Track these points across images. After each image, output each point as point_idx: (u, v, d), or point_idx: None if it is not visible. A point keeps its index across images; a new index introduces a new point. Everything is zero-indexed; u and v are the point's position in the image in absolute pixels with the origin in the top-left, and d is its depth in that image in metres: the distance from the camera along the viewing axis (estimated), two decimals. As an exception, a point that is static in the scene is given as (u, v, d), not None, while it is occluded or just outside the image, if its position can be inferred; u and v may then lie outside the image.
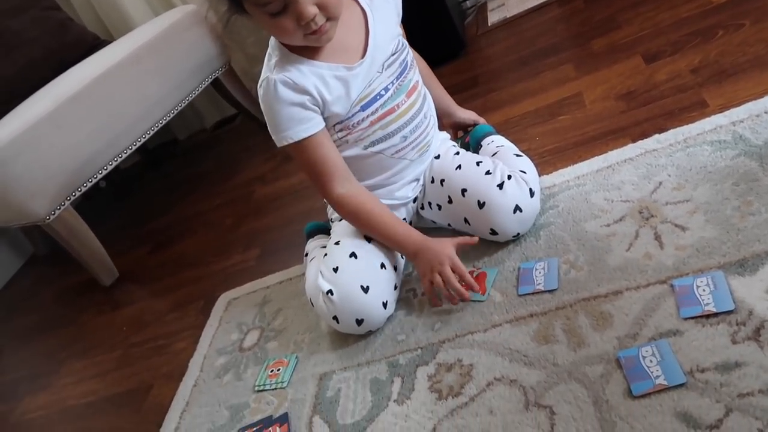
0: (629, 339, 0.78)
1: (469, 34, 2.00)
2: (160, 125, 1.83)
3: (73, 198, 1.62)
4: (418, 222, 1.17)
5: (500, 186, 1.00)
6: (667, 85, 1.22)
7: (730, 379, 0.68)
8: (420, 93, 1.08)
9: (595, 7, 1.70)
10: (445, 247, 0.96)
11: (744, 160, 0.93)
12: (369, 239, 1.05)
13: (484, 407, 0.81)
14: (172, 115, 1.87)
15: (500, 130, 1.27)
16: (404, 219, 1.13)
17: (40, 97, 1.67)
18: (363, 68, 0.98)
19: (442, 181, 1.08)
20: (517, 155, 1.09)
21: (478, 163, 1.05)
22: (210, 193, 1.99)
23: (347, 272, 1.00)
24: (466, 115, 1.27)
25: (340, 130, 1.01)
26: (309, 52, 0.96)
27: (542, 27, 1.78)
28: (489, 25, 1.99)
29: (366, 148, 1.04)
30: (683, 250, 0.85)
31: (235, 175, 2.01)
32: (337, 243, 1.05)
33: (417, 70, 1.09)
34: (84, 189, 1.65)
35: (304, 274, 1.18)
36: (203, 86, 1.98)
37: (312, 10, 0.86)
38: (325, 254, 1.06)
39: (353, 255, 1.02)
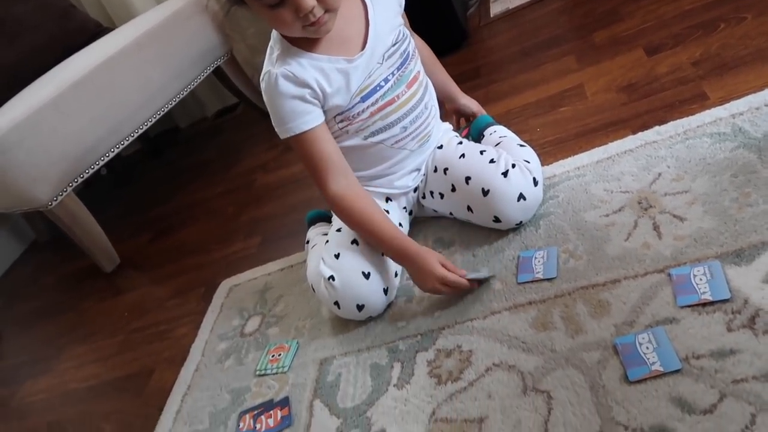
0: (626, 326, 0.79)
1: (471, 25, 2.01)
2: (161, 113, 1.83)
3: (75, 184, 1.63)
4: (419, 211, 1.18)
5: (505, 174, 1.01)
6: (668, 77, 1.23)
7: (724, 365, 0.69)
8: (421, 83, 1.08)
9: (598, -1, 1.71)
10: (435, 269, 0.94)
11: (743, 152, 0.94)
12: None
13: (483, 392, 0.82)
14: (173, 103, 1.88)
15: (501, 121, 1.28)
16: (404, 208, 1.14)
17: (43, 84, 1.67)
18: (363, 60, 0.99)
19: (445, 169, 1.09)
20: (521, 145, 1.10)
21: (482, 152, 1.06)
22: (211, 182, 1.99)
23: (349, 258, 1.01)
24: (469, 102, 1.28)
25: (341, 121, 1.02)
26: (309, 44, 0.96)
27: (544, 18, 1.78)
28: (491, 16, 1.99)
29: (366, 138, 1.04)
30: (681, 240, 0.86)
31: (237, 164, 2.02)
32: (338, 230, 1.06)
33: (419, 60, 1.09)
34: (86, 176, 1.65)
35: (305, 261, 1.19)
36: (205, 75, 1.98)
37: (310, 2, 0.86)
38: (327, 241, 1.07)
39: (355, 242, 1.03)
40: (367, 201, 1.00)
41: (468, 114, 1.28)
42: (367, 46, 0.99)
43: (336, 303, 1.01)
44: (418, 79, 1.07)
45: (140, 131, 1.78)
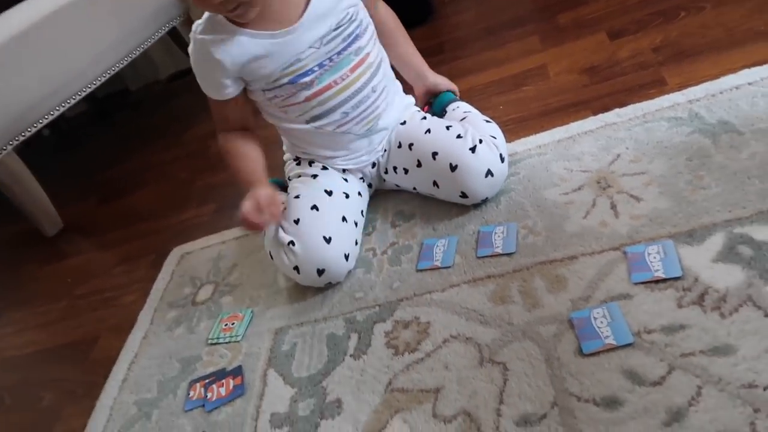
0: (582, 301, 0.81)
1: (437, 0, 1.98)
2: (111, 73, 1.74)
3: (15, 143, 1.53)
4: (380, 185, 1.17)
5: (473, 150, 1.00)
6: (629, 62, 1.25)
7: (674, 340, 0.71)
8: (370, 65, 1.04)
9: (564, -19, 1.71)
10: (243, 203, 0.97)
11: (698, 137, 0.97)
12: (329, 192, 1.04)
13: (440, 363, 0.82)
14: (124, 63, 1.79)
15: (465, 98, 1.27)
16: (363, 180, 1.13)
17: (-19, 34, 1.56)
18: (292, 38, 0.95)
19: (410, 145, 1.07)
20: (486, 121, 1.10)
21: (448, 127, 1.05)
22: (163, 146, 1.92)
23: (309, 224, 1.00)
24: (440, 80, 1.24)
25: (272, 98, 1.01)
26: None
27: (510, -2, 1.78)
28: (457, -8, 1.97)
29: (307, 122, 1.03)
30: (637, 220, 0.88)
31: (191, 129, 1.95)
32: (297, 197, 1.04)
33: (372, 40, 1.05)
34: (28, 135, 1.56)
35: (262, 229, 1.16)
36: (160, 35, 1.89)
37: None
38: (284, 208, 1.05)
39: (315, 207, 1.01)
40: (242, 150, 1.05)
41: (439, 92, 1.24)
42: (299, 24, 0.94)
43: (296, 268, 1.00)
44: (365, 61, 1.03)
45: (87, 91, 1.68)
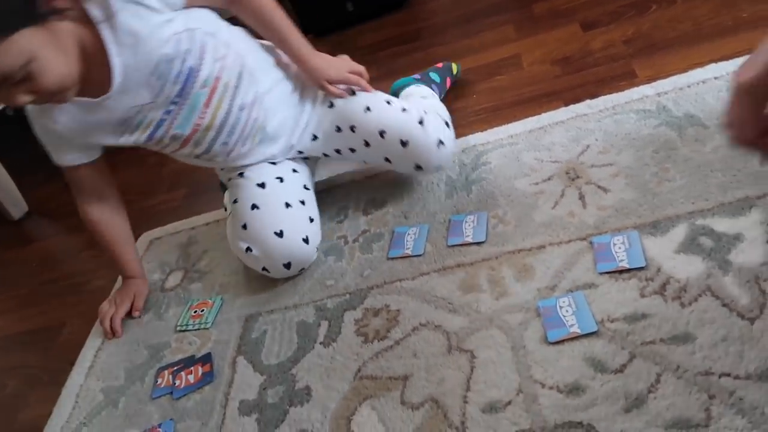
0: (548, 290, 0.82)
1: (413, -14, 1.97)
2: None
3: (-23, 122, 1.49)
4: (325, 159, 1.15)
5: (421, 122, 0.99)
6: (601, 53, 1.26)
7: (636, 328, 0.73)
8: (226, 87, 0.94)
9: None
10: (105, 307, 1.11)
11: (665, 129, 0.99)
12: (262, 185, 1.02)
13: (409, 350, 0.83)
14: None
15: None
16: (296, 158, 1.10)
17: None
18: (112, 101, 0.88)
19: (352, 127, 1.02)
20: (423, 97, 1.09)
21: (388, 102, 1.02)
22: (133, 130, 1.88)
23: (255, 225, 0.99)
24: (322, 64, 1.01)
25: (155, 150, 1.01)
26: None
27: (487, -15, 1.78)
28: (434, -22, 1.96)
29: (197, 157, 1.02)
30: (604, 210, 0.90)
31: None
32: (235, 201, 1.03)
33: (218, 60, 0.92)
34: (-9, 114, 1.51)
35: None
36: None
37: (24, 98, 0.81)
38: (231, 214, 1.05)
39: (254, 207, 1.00)
40: (108, 232, 1.11)
41: (331, 82, 1.03)
42: (113, 85, 0.87)
43: (264, 269, 1.00)
44: (217, 87, 0.93)
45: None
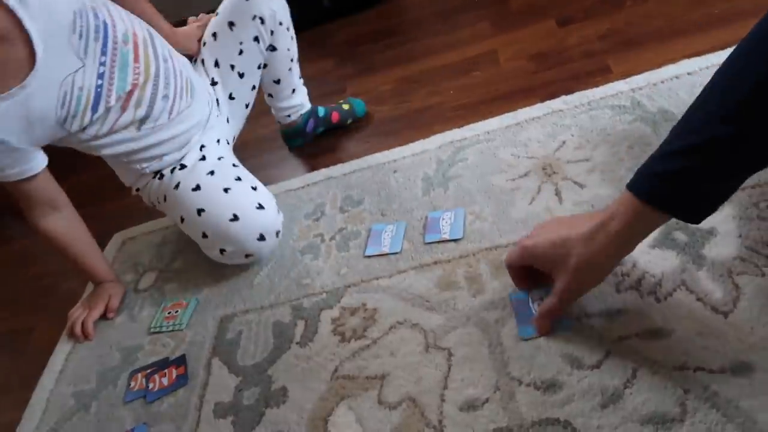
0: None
1: (390, -19, 1.96)
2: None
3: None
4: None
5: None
6: (577, 49, 1.26)
7: (611, 324, 0.73)
8: (145, 41, 0.97)
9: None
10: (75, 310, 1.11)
11: (640, 125, 0.99)
12: (198, 188, 1.02)
13: (386, 349, 0.82)
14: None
15: (415, 81, 1.27)
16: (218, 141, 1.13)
17: None
18: (42, 78, 0.86)
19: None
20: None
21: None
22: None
23: (210, 227, 1.00)
24: (180, 39, 1.11)
25: (99, 135, 0.96)
26: None
27: (464, -19, 1.77)
28: (411, -26, 1.95)
29: (139, 128, 0.99)
30: (580, 206, 0.90)
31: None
32: (182, 220, 1.04)
33: (125, 16, 0.96)
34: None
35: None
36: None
37: None
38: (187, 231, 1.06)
39: (200, 212, 1.01)
40: (72, 245, 1.07)
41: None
42: (36, 62, 0.85)
43: (247, 255, 1.02)
44: (138, 42, 0.95)
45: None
